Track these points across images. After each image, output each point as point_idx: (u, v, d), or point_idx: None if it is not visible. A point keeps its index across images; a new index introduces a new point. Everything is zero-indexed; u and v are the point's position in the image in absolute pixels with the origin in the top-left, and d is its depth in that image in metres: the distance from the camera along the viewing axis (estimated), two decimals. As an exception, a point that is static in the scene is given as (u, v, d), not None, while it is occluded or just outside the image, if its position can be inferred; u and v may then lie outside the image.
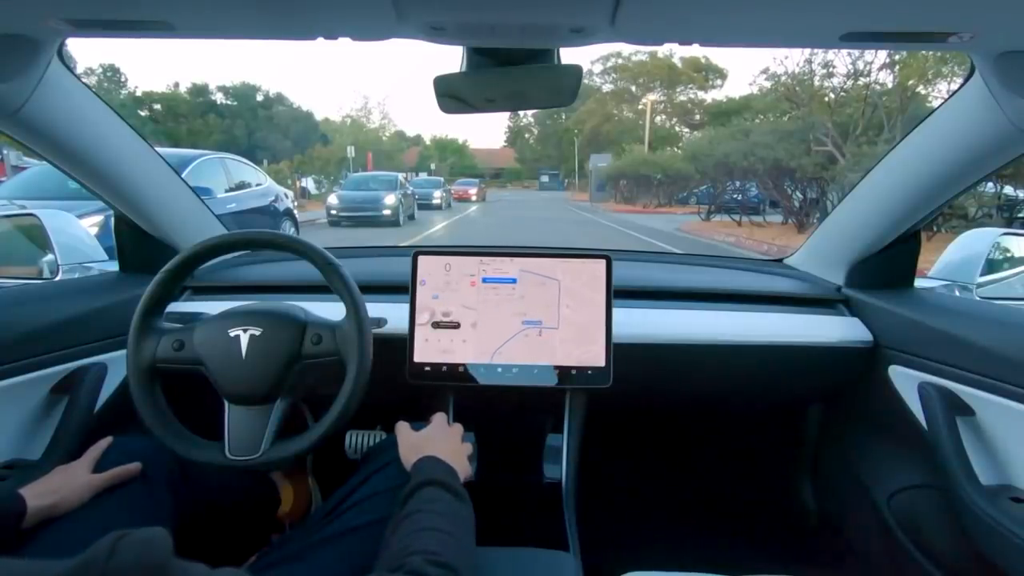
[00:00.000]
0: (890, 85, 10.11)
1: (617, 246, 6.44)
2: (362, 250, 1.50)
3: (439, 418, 0.87)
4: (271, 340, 0.83)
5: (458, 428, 0.86)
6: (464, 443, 0.85)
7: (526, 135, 53.54)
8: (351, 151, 24.52)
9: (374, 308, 0.92)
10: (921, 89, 9.69)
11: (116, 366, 1.04)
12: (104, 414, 1.02)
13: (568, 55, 0.76)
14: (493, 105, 0.86)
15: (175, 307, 1.12)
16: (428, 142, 51.71)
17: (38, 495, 0.71)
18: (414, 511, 0.63)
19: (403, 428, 0.84)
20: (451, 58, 0.79)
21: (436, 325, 1.02)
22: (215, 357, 0.83)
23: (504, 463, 1.07)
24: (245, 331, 0.83)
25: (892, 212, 1.06)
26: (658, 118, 36.06)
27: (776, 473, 1.47)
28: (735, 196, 13.62)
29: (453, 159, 47.38)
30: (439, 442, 0.80)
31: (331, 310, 0.91)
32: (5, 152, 10.46)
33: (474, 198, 24.83)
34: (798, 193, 11.06)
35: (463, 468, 0.77)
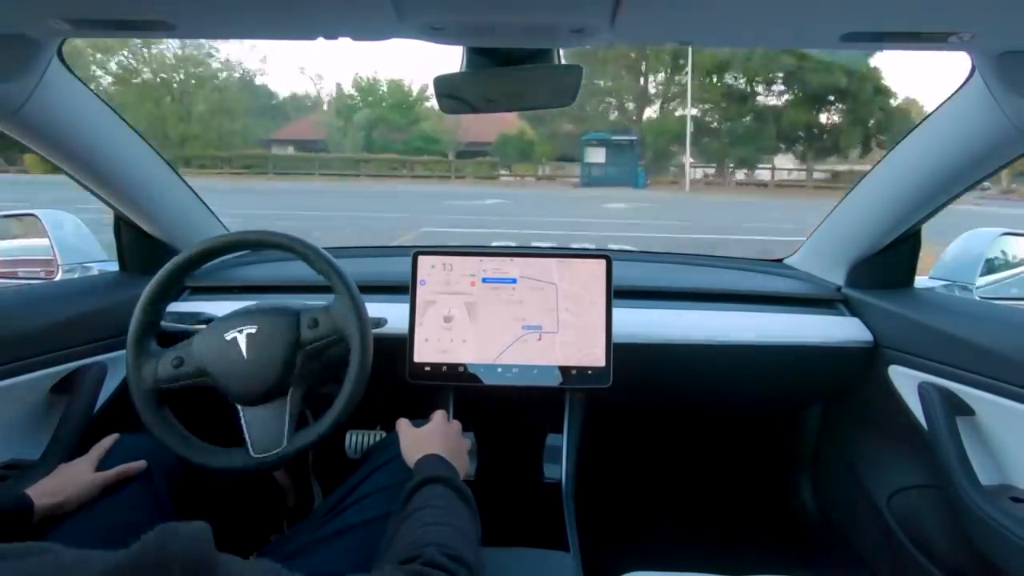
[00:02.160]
0: None
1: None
2: (362, 250, 1.50)
3: (439, 415, 0.87)
4: (268, 335, 0.83)
5: (457, 424, 0.87)
6: (463, 439, 0.85)
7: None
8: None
9: (374, 308, 0.91)
10: None
11: (116, 366, 1.04)
12: (104, 414, 1.02)
13: (568, 55, 0.77)
14: (493, 105, 0.86)
15: (175, 307, 1.12)
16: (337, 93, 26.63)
17: (44, 494, 0.72)
18: (420, 507, 0.63)
19: (404, 425, 0.84)
20: (451, 58, 0.79)
21: (436, 325, 1.02)
22: (217, 364, 0.83)
23: (504, 463, 1.07)
24: (241, 332, 0.83)
25: (892, 212, 1.06)
26: None
27: (776, 473, 1.47)
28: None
29: (382, 127, 23.28)
30: (440, 438, 0.80)
31: None
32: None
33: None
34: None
35: (463, 465, 0.78)
